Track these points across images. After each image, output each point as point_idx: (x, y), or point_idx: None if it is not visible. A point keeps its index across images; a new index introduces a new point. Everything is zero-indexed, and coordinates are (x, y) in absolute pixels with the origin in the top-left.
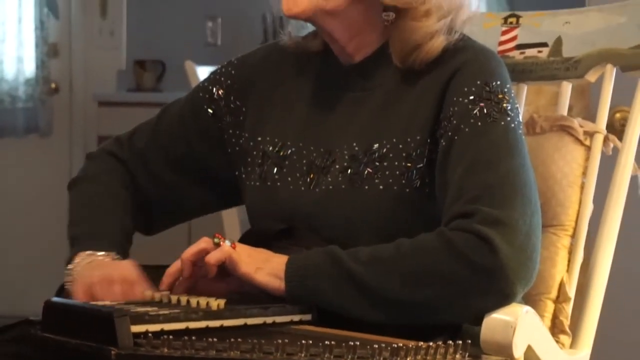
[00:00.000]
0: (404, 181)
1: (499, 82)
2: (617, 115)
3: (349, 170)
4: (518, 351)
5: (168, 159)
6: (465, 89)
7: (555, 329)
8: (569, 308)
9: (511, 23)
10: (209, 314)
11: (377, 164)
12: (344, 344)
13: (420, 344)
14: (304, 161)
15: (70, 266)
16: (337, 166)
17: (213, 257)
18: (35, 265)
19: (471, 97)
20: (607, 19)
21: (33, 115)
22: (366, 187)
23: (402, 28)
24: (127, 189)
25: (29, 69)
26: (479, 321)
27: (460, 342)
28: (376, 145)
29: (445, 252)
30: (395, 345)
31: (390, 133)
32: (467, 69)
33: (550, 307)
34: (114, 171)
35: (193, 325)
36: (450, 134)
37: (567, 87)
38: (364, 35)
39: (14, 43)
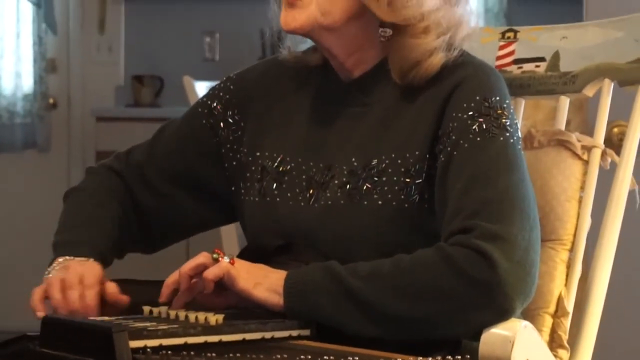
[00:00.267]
0: (402, 196)
1: (498, 98)
2: (615, 129)
3: (348, 186)
4: None
5: (166, 174)
6: (465, 105)
7: (554, 343)
8: (567, 322)
9: (509, 38)
10: (207, 329)
11: (376, 179)
12: (342, 359)
13: (419, 359)
14: (304, 177)
15: (48, 269)
16: (336, 181)
17: (211, 273)
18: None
19: (470, 113)
20: (605, 34)
21: (31, 130)
22: (365, 203)
23: (401, 45)
24: (122, 203)
25: (27, 84)
26: (477, 336)
27: (459, 357)
28: (375, 161)
29: (444, 267)
30: None
31: (389, 148)
32: (467, 84)
33: (548, 321)
34: (110, 185)
35: (192, 340)
36: (449, 149)
37: (564, 102)
38: (362, 51)
39: (12, 58)
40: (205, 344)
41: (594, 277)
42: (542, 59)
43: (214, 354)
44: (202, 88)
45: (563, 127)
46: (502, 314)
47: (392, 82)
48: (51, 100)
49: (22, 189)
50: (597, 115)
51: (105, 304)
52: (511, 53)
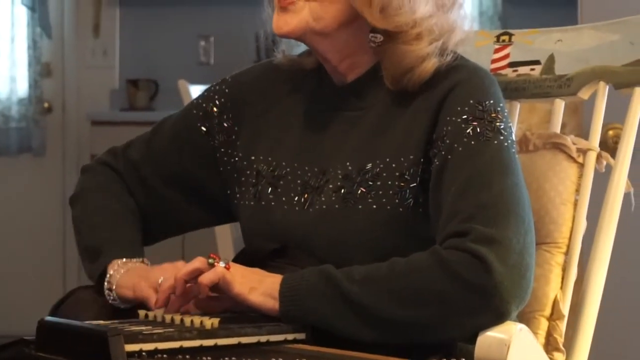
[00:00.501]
0: (397, 200)
1: (492, 101)
2: (610, 132)
3: (342, 190)
4: None
5: (161, 173)
6: (459, 109)
7: (550, 346)
8: (562, 325)
9: (504, 41)
10: (203, 333)
11: (371, 183)
12: None
13: None
14: (299, 181)
15: (107, 277)
16: (331, 186)
17: (206, 278)
18: (29, 284)
19: (464, 117)
20: (600, 37)
21: (26, 134)
22: (360, 207)
23: (393, 51)
24: (128, 197)
25: (22, 88)
26: (473, 339)
27: None
28: (369, 165)
29: (439, 270)
30: None
31: (383, 153)
32: (461, 88)
33: (544, 324)
34: (112, 180)
35: (187, 344)
36: (443, 153)
37: (560, 105)
38: (355, 56)
39: (7, 63)
40: (201, 347)
41: (590, 280)
42: (537, 62)
43: (209, 358)
44: (197, 92)
45: (558, 130)
46: (497, 317)
47: (386, 87)
48: (46, 105)
49: (17, 193)
50: (592, 118)
51: None
52: (506, 56)
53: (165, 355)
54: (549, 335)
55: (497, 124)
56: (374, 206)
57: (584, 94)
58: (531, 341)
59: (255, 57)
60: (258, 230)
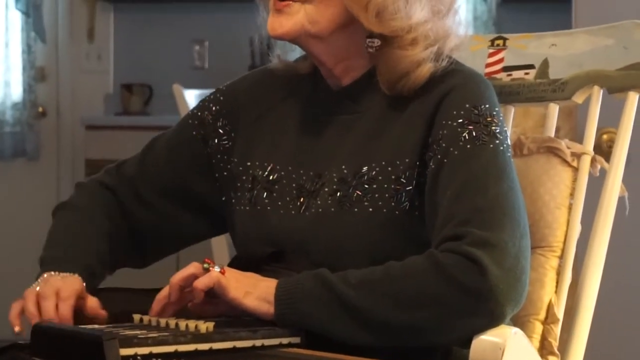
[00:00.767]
0: (393, 204)
1: (487, 106)
2: (605, 136)
3: (338, 193)
4: None
5: (158, 187)
6: (454, 112)
7: (544, 350)
8: (557, 329)
9: (498, 45)
10: (197, 337)
11: (366, 186)
12: None
13: None
14: (294, 185)
15: (34, 284)
16: (327, 189)
17: (201, 283)
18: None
19: (460, 120)
20: (594, 41)
21: (20, 139)
22: (355, 210)
23: (389, 56)
24: (113, 218)
25: (16, 93)
26: (468, 343)
27: None
28: (365, 168)
29: (434, 273)
30: None
31: (379, 156)
32: (456, 92)
33: (538, 328)
34: (101, 201)
35: (182, 348)
36: (439, 157)
37: (554, 109)
38: (351, 60)
39: (1, 67)
40: (196, 351)
41: (584, 284)
42: (531, 67)
43: None
44: (191, 96)
45: (553, 134)
46: (492, 321)
47: (381, 90)
48: (40, 109)
49: (11, 197)
50: (586, 122)
51: (83, 318)
52: (500, 60)
53: (160, 359)
54: (544, 339)
55: (493, 128)
56: (370, 209)
57: (578, 98)
58: (526, 345)
59: (249, 61)
60: (254, 235)
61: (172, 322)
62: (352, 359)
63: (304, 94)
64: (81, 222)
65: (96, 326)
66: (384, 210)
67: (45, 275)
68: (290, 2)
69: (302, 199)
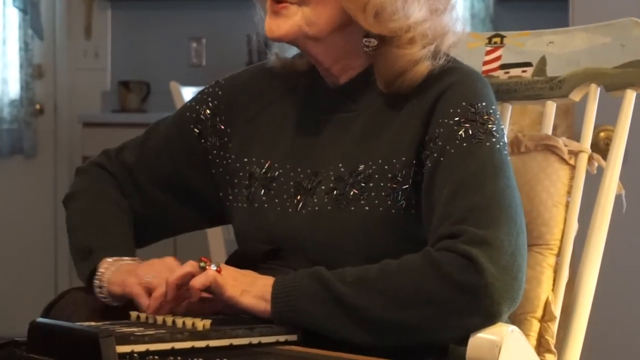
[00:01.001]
0: (389, 202)
1: (484, 104)
2: (602, 134)
3: (335, 192)
4: None
5: (155, 176)
6: (451, 111)
7: (541, 348)
8: (554, 327)
9: (495, 43)
10: (194, 335)
11: (363, 184)
12: None
13: None
14: (291, 183)
15: (98, 274)
16: (323, 187)
17: (198, 282)
18: (21, 285)
19: (456, 119)
20: (592, 39)
21: (18, 136)
22: (352, 208)
23: (386, 55)
24: (121, 199)
25: (14, 90)
26: (465, 341)
27: None
28: (362, 167)
29: (430, 272)
30: None
31: (376, 154)
32: (453, 90)
33: (535, 326)
34: (107, 182)
35: (179, 345)
36: (436, 155)
37: (551, 107)
38: (348, 59)
39: None
40: (193, 349)
41: (581, 282)
42: (528, 64)
43: (200, 359)
44: (188, 93)
45: (550, 132)
46: (489, 319)
47: (378, 89)
48: (38, 106)
49: (9, 194)
50: (583, 120)
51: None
52: (498, 58)
53: (156, 357)
54: (541, 336)
55: (490, 126)
56: (366, 208)
57: (576, 96)
58: (523, 343)
59: (246, 59)
60: (251, 233)
61: (169, 320)
62: (348, 357)
63: (302, 92)
64: (104, 205)
65: (92, 323)
66: (380, 208)
67: (109, 260)
68: (287, 4)
69: (299, 197)
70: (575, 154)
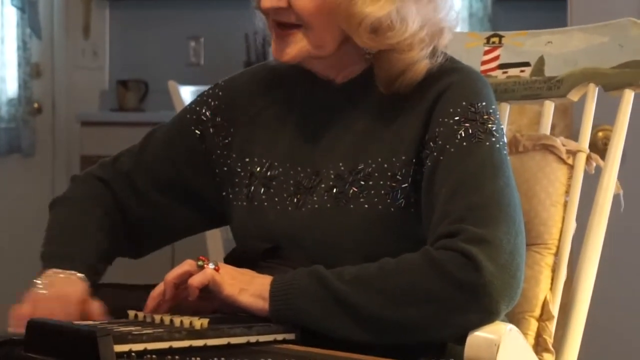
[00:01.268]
0: (389, 200)
1: (484, 103)
2: (600, 134)
3: (335, 190)
4: None
5: (154, 180)
6: (451, 110)
7: (539, 347)
8: (552, 326)
9: (494, 43)
10: (192, 333)
11: (363, 183)
12: None
13: None
14: (291, 181)
15: (34, 281)
16: (323, 185)
17: (196, 280)
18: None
19: (456, 118)
20: (590, 39)
21: (15, 135)
22: (351, 206)
23: (386, 59)
24: (109, 212)
25: (12, 89)
26: (463, 340)
27: None
28: (361, 165)
29: (429, 270)
30: None
31: (375, 153)
32: (453, 90)
33: (533, 325)
34: (96, 193)
35: (176, 344)
36: (435, 154)
37: (549, 107)
38: (349, 67)
39: None
40: (190, 348)
41: (579, 281)
42: (527, 64)
43: (198, 358)
44: (186, 93)
45: (548, 132)
46: (487, 317)
47: (378, 88)
48: (36, 105)
49: (6, 193)
50: (582, 119)
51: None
52: (496, 58)
53: (154, 356)
54: (539, 335)
55: (489, 125)
56: (366, 206)
57: (574, 96)
58: (521, 342)
59: (245, 57)
60: (250, 231)
61: (167, 319)
62: (347, 356)
63: (302, 91)
64: (80, 215)
65: (90, 322)
66: (380, 207)
67: (49, 272)
68: (292, 30)
69: (299, 196)
70: (573, 153)
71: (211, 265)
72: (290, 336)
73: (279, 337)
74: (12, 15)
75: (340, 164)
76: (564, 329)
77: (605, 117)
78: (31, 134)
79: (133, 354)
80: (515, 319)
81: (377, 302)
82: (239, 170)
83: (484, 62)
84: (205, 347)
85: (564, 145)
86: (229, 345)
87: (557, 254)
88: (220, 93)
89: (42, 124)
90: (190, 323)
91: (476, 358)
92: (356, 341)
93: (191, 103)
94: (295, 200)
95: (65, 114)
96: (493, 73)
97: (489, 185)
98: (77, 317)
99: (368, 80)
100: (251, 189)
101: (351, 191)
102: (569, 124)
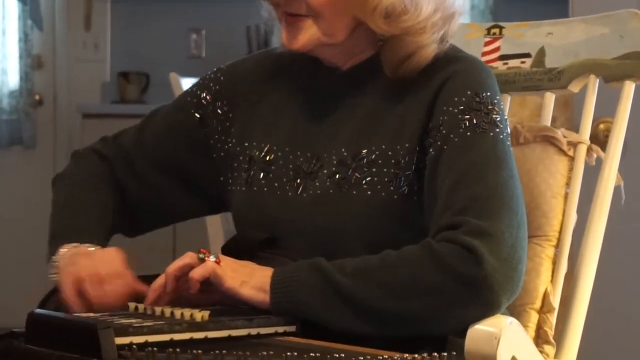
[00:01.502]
0: (391, 188)
1: (489, 94)
2: (601, 126)
3: (337, 176)
4: None
5: (153, 161)
6: (456, 99)
7: (540, 339)
8: (553, 318)
9: (494, 34)
10: (193, 326)
11: (366, 169)
12: (328, 356)
13: (405, 356)
14: (290, 166)
15: (55, 257)
16: (325, 171)
17: (197, 273)
18: (20, 276)
19: (461, 107)
20: (591, 30)
21: (17, 127)
22: (354, 192)
23: (397, 42)
24: (109, 187)
25: (13, 81)
26: (464, 333)
27: (445, 354)
28: (365, 151)
29: (430, 262)
30: (380, 357)
31: (379, 140)
32: (458, 79)
33: (534, 317)
34: (96, 169)
35: (177, 336)
36: (439, 143)
37: (550, 98)
38: (359, 55)
39: None
40: (191, 340)
41: (580, 273)
42: (527, 55)
43: (199, 351)
44: (188, 85)
45: (549, 123)
46: (488, 310)
47: (383, 74)
48: (37, 97)
49: (8, 185)
50: (582, 111)
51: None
52: (497, 49)
53: (155, 348)
54: (539, 328)
55: (494, 116)
56: (369, 192)
57: (575, 87)
58: (521, 334)
59: (246, 50)
60: (250, 216)
61: (168, 311)
62: (347, 348)
63: (305, 76)
64: (87, 191)
65: (91, 314)
66: (382, 194)
67: (67, 246)
68: (302, 17)
69: (298, 180)
70: (574, 145)
71: (212, 258)
72: (291, 328)
73: (280, 329)
74: (13, 7)
75: (343, 150)
76: (565, 321)
77: (606, 108)
78: (32, 125)
79: (134, 346)
80: (515, 311)
81: (378, 295)
82: (238, 155)
83: (484, 53)
84: (206, 339)
85: (564, 136)
86: (229, 337)
87: (557, 246)
88: (222, 77)
89: (44, 116)
90: (191, 315)
91: (477, 351)
92: (357, 333)
93: (192, 86)
94: (295, 185)
95: (66, 106)
96: (494, 64)
97: (492, 176)
98: (136, 294)
99: (374, 66)
100: (250, 173)
101: (354, 177)
102: (570, 117)
